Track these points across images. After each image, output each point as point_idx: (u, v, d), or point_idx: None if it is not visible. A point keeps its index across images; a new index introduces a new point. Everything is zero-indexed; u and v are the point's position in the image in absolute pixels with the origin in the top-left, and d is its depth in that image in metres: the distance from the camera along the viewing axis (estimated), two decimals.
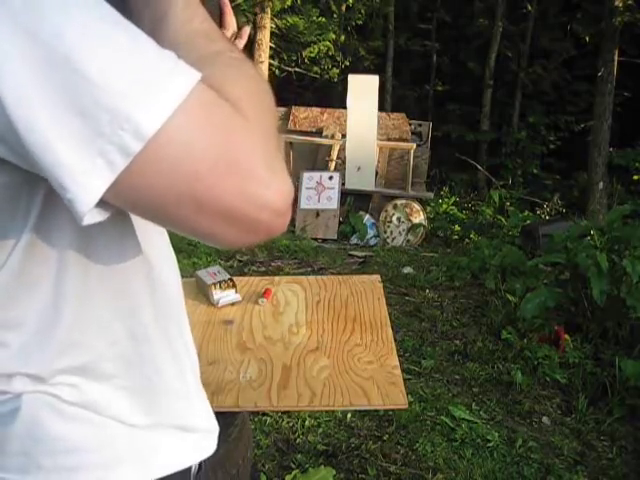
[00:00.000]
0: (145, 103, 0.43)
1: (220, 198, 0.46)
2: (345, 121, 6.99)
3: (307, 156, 7.23)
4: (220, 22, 0.83)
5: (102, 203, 0.45)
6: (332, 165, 7.04)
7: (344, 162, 6.91)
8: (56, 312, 0.56)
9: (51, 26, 0.42)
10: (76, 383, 0.58)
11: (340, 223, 6.59)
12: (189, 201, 0.46)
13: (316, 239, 6.30)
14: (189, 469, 0.69)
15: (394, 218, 6.69)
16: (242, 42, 0.83)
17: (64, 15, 0.43)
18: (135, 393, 0.62)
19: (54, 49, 0.42)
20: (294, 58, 10.49)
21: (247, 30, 0.85)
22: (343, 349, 1.19)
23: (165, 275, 0.66)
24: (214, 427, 0.75)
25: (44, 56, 0.42)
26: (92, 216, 0.46)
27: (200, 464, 0.71)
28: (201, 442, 0.72)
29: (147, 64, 0.45)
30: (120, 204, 0.47)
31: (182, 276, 0.73)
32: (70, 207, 0.45)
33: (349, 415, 2.63)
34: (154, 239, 0.65)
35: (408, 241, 6.61)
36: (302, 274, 4.50)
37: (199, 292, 1.48)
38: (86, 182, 0.44)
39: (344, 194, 6.73)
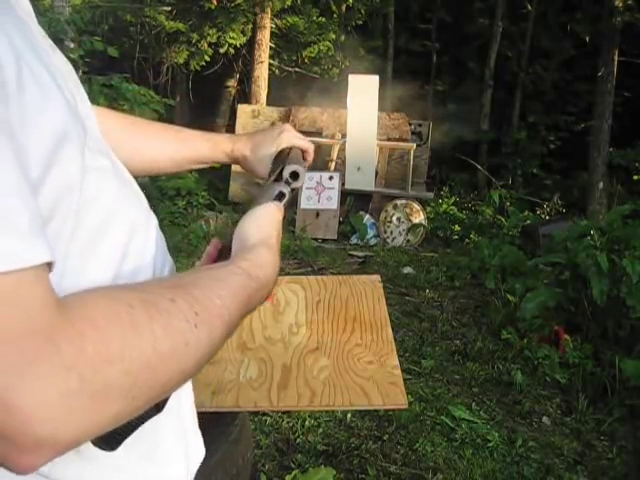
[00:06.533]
0: None
1: None
2: (345, 121, 6.98)
3: None
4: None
5: None
6: (332, 165, 7.04)
7: (344, 162, 6.91)
8: None
9: None
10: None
11: (340, 223, 6.59)
12: None
13: (316, 239, 6.30)
14: None
15: (394, 218, 6.69)
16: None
17: None
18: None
19: None
20: (294, 58, 10.48)
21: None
22: (343, 349, 1.19)
23: None
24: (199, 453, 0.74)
25: None
26: None
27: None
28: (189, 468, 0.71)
29: None
30: None
31: None
32: None
33: (349, 415, 2.63)
34: None
35: (408, 241, 6.61)
36: (302, 274, 4.50)
37: None
38: None
39: (344, 194, 6.73)
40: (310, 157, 1.02)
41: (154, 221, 0.67)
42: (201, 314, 0.50)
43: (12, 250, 0.39)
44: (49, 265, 0.42)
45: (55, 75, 0.52)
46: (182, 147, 0.98)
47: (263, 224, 0.72)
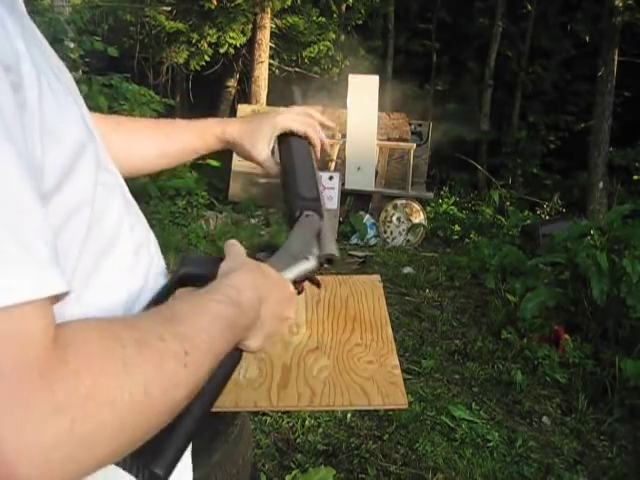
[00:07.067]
0: None
1: None
2: (345, 121, 6.98)
3: None
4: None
5: None
6: (332, 165, 7.04)
7: (344, 162, 6.91)
8: None
9: None
10: None
11: (340, 223, 6.58)
12: None
13: None
14: None
15: (394, 218, 6.68)
16: None
17: None
18: None
19: None
20: (294, 58, 10.48)
21: None
22: (343, 349, 1.19)
23: None
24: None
25: None
26: None
27: None
28: None
29: None
30: None
31: None
32: None
33: (349, 415, 2.63)
34: None
35: (408, 241, 6.61)
36: None
37: None
38: None
39: (344, 194, 6.72)
40: (315, 142, 0.94)
41: (153, 238, 0.67)
42: (191, 353, 0.48)
43: (32, 281, 0.37)
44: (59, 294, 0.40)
45: (67, 84, 0.52)
46: (170, 142, 0.93)
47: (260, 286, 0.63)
